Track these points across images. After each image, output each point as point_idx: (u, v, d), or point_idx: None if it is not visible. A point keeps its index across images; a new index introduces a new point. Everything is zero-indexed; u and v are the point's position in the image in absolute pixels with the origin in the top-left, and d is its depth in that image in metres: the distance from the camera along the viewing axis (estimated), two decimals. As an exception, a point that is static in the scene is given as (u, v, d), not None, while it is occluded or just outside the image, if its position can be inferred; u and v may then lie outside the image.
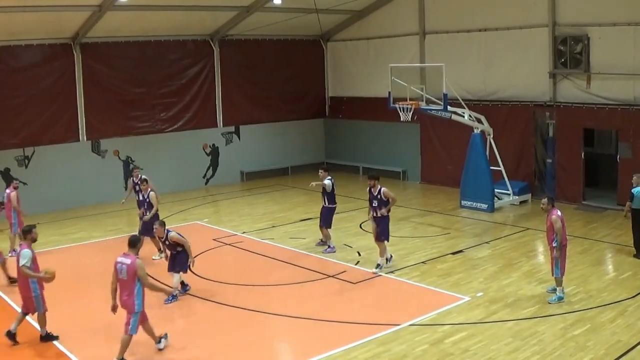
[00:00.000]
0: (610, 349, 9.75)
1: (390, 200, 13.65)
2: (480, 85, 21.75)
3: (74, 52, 21.10)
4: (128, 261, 9.72)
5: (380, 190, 13.62)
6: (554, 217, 11.57)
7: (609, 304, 11.57)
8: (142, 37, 22.40)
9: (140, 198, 15.33)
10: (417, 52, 23.44)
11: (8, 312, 11.98)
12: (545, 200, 11.85)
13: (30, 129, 20.43)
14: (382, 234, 13.77)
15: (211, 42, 24.26)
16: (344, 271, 13.90)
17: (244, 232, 17.50)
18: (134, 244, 10.01)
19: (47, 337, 10.84)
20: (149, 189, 15.15)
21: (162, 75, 23.11)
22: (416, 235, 16.82)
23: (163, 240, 12.56)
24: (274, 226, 18.18)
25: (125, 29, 21.47)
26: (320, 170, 15.51)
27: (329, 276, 13.68)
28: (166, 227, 12.50)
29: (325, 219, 15.47)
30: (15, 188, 15.86)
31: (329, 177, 15.33)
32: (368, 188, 13.89)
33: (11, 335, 10.69)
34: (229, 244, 16.39)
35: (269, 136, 26.08)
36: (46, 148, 20.74)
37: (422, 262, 14.44)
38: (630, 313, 11.16)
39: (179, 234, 12.53)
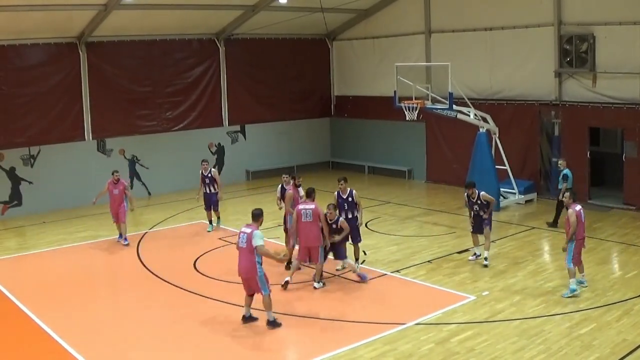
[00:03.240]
0: (616, 348, 9.75)
1: (489, 202, 14.03)
2: (486, 84, 21.73)
3: (80, 51, 21.15)
4: (312, 206, 12.63)
5: (479, 195, 13.94)
6: (569, 210, 12.01)
7: (614, 303, 11.57)
8: (148, 36, 22.44)
9: (208, 191, 17.53)
10: (422, 51, 23.43)
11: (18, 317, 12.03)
12: (567, 194, 12.41)
13: (36, 128, 20.48)
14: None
15: (217, 41, 24.29)
16: (350, 270, 13.89)
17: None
18: (311, 194, 12.89)
19: (273, 324, 10.87)
20: (210, 169, 17.75)
21: (168, 74, 23.15)
22: (422, 234, 16.83)
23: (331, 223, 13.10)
24: (279, 225, 18.12)
25: (130, 27, 21.52)
26: (284, 176, 15.74)
27: (335, 275, 13.70)
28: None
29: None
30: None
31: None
32: (465, 194, 14.22)
33: (247, 319, 11.12)
34: (235, 243, 16.29)
35: (275, 135, 26.10)
36: (52, 147, 20.78)
37: (428, 261, 14.46)
38: (636, 312, 11.15)
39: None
